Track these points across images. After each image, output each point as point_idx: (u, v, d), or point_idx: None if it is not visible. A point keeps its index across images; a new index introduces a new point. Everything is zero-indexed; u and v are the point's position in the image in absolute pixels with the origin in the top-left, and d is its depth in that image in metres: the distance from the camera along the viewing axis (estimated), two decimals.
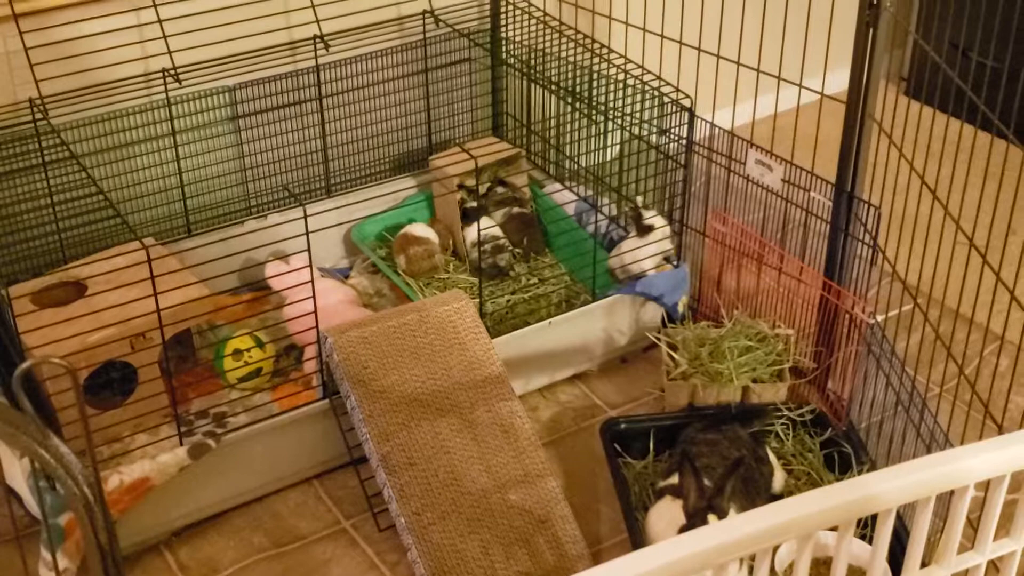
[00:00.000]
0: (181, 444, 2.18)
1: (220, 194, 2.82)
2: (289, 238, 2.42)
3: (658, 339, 2.54)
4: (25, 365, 1.12)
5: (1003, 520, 1.23)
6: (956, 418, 2.09)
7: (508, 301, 2.76)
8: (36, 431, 1.09)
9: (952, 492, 1.17)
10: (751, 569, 2.01)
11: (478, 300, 2.53)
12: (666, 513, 2.04)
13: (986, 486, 1.19)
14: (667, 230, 2.67)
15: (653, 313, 2.68)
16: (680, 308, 2.69)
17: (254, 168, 2.84)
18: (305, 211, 2.14)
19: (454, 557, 2.10)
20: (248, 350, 2.43)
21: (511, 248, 2.85)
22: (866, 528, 2.10)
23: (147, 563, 2.20)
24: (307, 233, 2.14)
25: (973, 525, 1.39)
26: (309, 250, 2.19)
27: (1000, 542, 1.21)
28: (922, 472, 1.11)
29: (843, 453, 2.29)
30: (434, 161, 2.90)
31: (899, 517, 2.06)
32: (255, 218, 2.79)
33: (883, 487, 1.09)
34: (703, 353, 2.48)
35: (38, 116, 2.41)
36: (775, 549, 1.34)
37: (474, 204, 2.84)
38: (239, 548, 2.25)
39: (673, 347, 2.51)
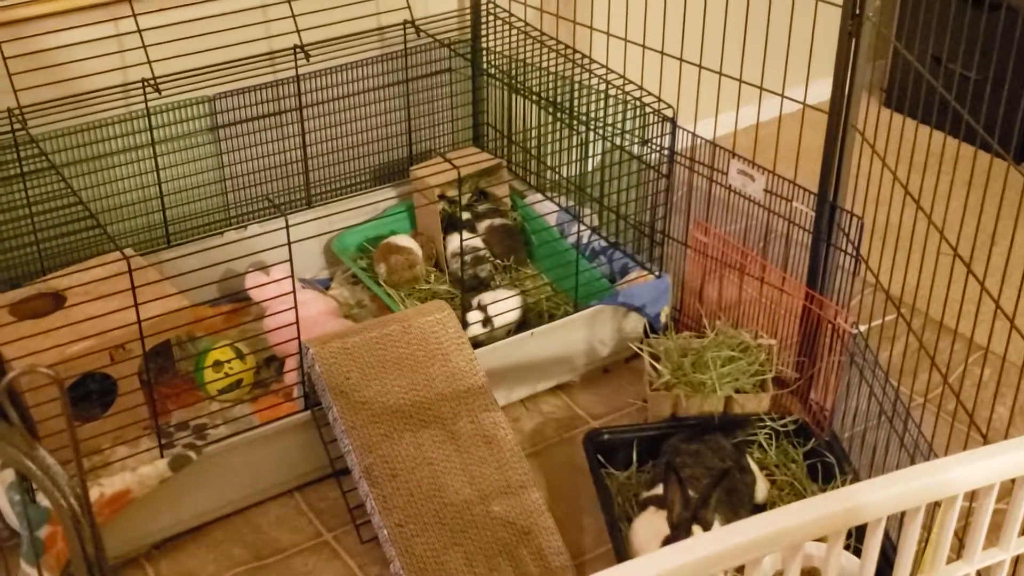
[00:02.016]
0: (162, 456, 2.16)
1: (200, 204, 2.80)
2: (269, 249, 2.41)
3: (640, 349, 2.54)
4: (11, 375, 1.10)
5: (990, 530, 1.22)
6: (940, 428, 2.09)
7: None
8: (22, 442, 1.08)
9: (938, 503, 1.17)
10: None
11: (460, 311, 2.52)
12: (650, 524, 2.03)
13: (971, 496, 1.19)
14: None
15: (635, 324, 2.68)
16: (662, 318, 2.69)
17: (234, 179, 2.82)
18: (287, 221, 2.12)
19: (437, 569, 2.08)
20: (228, 361, 2.41)
21: (492, 259, 2.84)
22: (849, 538, 2.10)
23: None
24: (288, 243, 2.12)
25: (958, 535, 1.39)
26: (291, 261, 2.18)
27: (988, 552, 1.21)
28: (911, 482, 1.11)
29: (826, 463, 2.30)
30: (415, 172, 2.89)
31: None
32: (235, 229, 2.77)
33: (872, 497, 1.08)
34: (686, 363, 2.48)
35: (17, 126, 2.38)
36: None
37: (460, 215, 2.83)
38: (219, 561, 2.22)
39: (656, 357, 2.51)
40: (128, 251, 2.05)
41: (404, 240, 2.83)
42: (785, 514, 1.09)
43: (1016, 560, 1.26)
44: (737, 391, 2.43)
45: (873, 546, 1.16)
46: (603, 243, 2.83)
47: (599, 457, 2.33)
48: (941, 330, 2.19)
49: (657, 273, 2.69)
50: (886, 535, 2.06)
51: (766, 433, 2.38)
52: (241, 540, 2.27)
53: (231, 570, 2.20)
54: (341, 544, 2.27)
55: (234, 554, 2.24)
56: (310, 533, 2.29)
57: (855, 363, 2.35)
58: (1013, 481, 1.18)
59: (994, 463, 1.13)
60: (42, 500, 2.00)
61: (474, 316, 2.56)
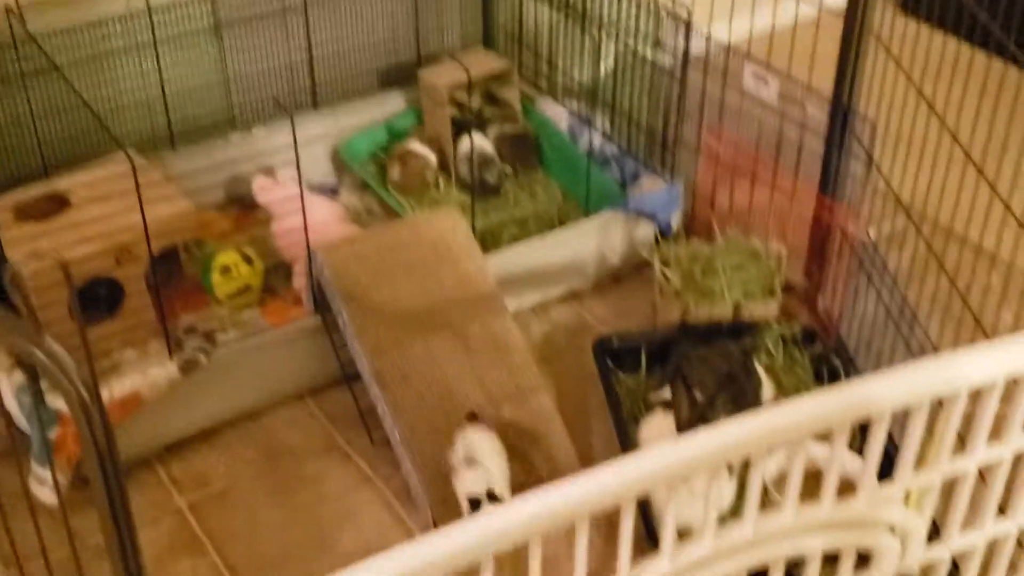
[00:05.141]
0: (171, 359, 2.17)
1: (204, 107, 2.77)
2: (276, 152, 2.39)
3: (651, 257, 2.53)
4: (15, 261, 1.10)
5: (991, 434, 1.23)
6: (946, 333, 2.10)
7: (500, 220, 2.73)
8: (29, 330, 1.08)
9: (941, 402, 1.17)
10: (741, 480, 2.03)
11: (470, 217, 2.50)
12: (658, 426, 2.05)
13: (974, 399, 1.19)
14: None
15: (646, 231, 2.67)
16: (673, 225, 2.67)
17: (238, 80, 2.78)
18: (293, 122, 2.10)
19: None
20: (237, 266, 2.41)
21: (501, 165, 2.81)
22: (853, 440, 2.12)
23: (139, 477, 2.21)
24: (295, 144, 2.10)
25: (961, 436, 1.39)
26: (298, 162, 2.16)
27: (992, 447, 1.22)
28: (916, 377, 1.11)
29: (832, 368, 2.30)
30: (424, 74, 2.85)
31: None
32: (240, 132, 2.74)
33: (878, 391, 1.08)
34: (695, 270, 2.48)
35: (15, 24, 2.34)
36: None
37: (471, 117, 2.79)
38: (231, 463, 2.25)
39: (666, 264, 2.50)
40: (132, 153, 2.04)
41: (419, 146, 2.80)
42: (791, 408, 1.09)
43: (1018, 458, 1.26)
44: (746, 297, 2.43)
45: (878, 442, 1.16)
46: (615, 149, 2.80)
47: (609, 363, 2.34)
48: (950, 237, 2.18)
49: (669, 180, 2.67)
50: (889, 439, 2.07)
51: (774, 339, 2.39)
52: (253, 443, 2.30)
53: (243, 471, 2.23)
54: (352, 447, 2.29)
55: (246, 456, 2.27)
56: (321, 436, 2.32)
57: (864, 269, 2.34)
58: (1016, 381, 1.18)
59: (1001, 357, 1.13)
60: (51, 402, 2.02)
61: None
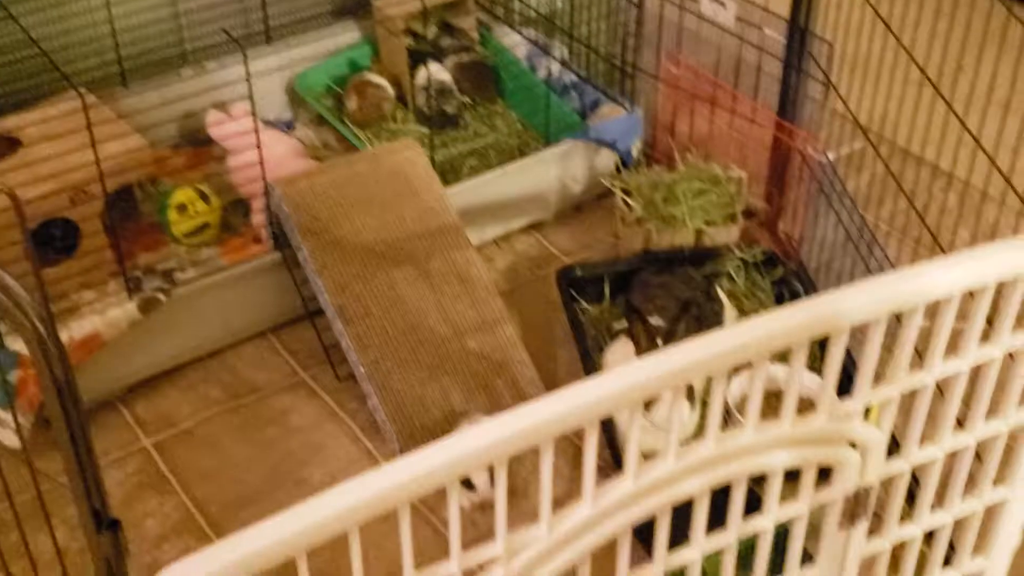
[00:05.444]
0: (130, 298, 2.15)
1: (154, 42, 2.70)
2: (229, 87, 2.34)
3: (612, 185, 2.53)
4: None
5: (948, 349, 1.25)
6: (904, 254, 2.13)
7: (459, 151, 2.71)
8: None
9: (899, 318, 1.19)
10: (704, 405, 2.06)
11: (429, 149, 2.48)
12: (622, 353, 2.07)
13: (931, 315, 1.21)
14: None
15: (607, 160, 2.66)
16: (634, 153, 2.67)
17: (188, 14, 2.71)
18: (245, 56, 2.06)
19: (414, 403, 2.11)
20: (194, 203, 2.38)
21: (459, 95, 2.78)
22: (813, 362, 2.14)
23: (103, 418, 2.20)
24: (248, 78, 2.06)
25: (919, 352, 1.42)
26: (252, 97, 2.12)
27: (949, 361, 1.24)
28: (877, 290, 1.12)
29: (794, 291, 2.33)
30: (378, 4, 2.80)
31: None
32: (193, 68, 2.68)
33: (838, 306, 1.09)
34: (657, 198, 2.48)
35: None
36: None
37: (427, 48, 2.74)
38: (196, 401, 2.25)
39: (627, 193, 2.50)
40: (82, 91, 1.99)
41: (376, 77, 2.76)
42: (750, 325, 1.10)
43: (975, 371, 1.28)
44: (708, 224, 2.43)
45: (836, 358, 1.17)
46: (574, 77, 2.77)
47: (572, 292, 2.35)
48: (908, 157, 2.20)
49: (628, 107, 2.66)
50: (849, 358, 2.10)
51: (735, 264, 2.40)
52: (217, 381, 2.29)
53: (208, 410, 2.23)
54: (318, 383, 2.29)
55: (210, 394, 2.26)
56: (286, 372, 2.31)
57: (823, 191, 2.36)
58: (972, 294, 1.20)
59: (955, 271, 1.15)
60: (11, 344, 2.00)
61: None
